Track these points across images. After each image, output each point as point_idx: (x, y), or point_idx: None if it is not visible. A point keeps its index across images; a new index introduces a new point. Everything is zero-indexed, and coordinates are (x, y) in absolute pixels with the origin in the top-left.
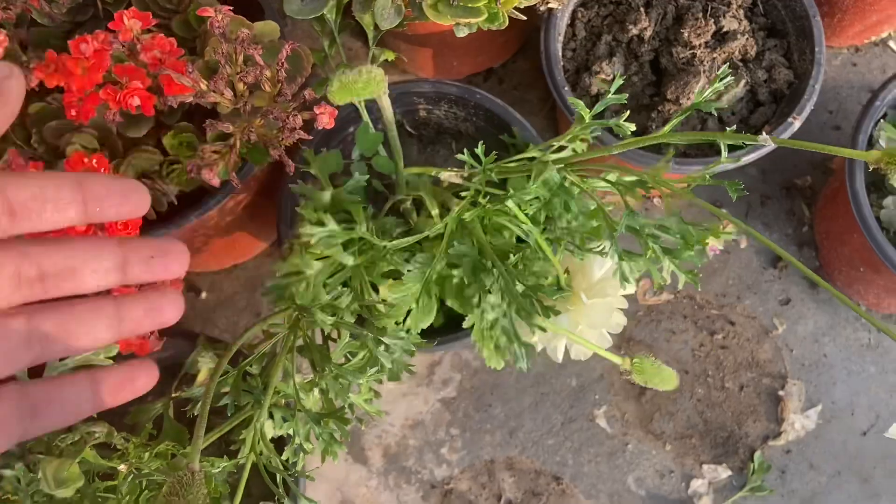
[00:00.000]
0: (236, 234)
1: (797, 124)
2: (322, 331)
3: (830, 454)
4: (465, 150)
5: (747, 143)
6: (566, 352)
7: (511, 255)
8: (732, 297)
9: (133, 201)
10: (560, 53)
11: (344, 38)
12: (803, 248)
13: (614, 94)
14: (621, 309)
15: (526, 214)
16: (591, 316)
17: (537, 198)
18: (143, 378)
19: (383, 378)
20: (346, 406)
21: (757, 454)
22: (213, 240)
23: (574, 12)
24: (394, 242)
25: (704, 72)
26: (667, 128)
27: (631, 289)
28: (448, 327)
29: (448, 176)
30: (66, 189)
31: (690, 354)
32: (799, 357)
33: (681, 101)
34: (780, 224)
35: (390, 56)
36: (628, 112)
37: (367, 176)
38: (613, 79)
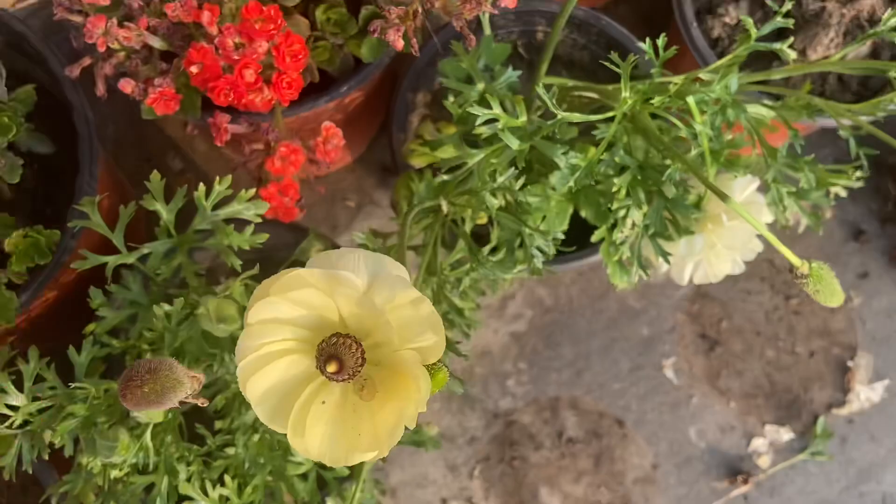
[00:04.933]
0: None
1: None
2: (460, 224)
3: (892, 428)
4: (646, 40)
5: None
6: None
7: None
8: None
9: None
10: None
11: None
12: (886, 225)
13: (782, 18)
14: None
15: None
16: (730, 238)
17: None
18: None
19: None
20: (455, 311)
21: (820, 420)
22: None
23: None
24: (570, 114)
25: (833, 25)
26: (835, 56)
27: (770, 217)
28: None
29: (584, 88)
30: None
31: (764, 316)
32: (871, 330)
33: (807, 53)
34: (866, 199)
35: None
36: (744, 58)
37: (520, 72)
38: (737, 23)
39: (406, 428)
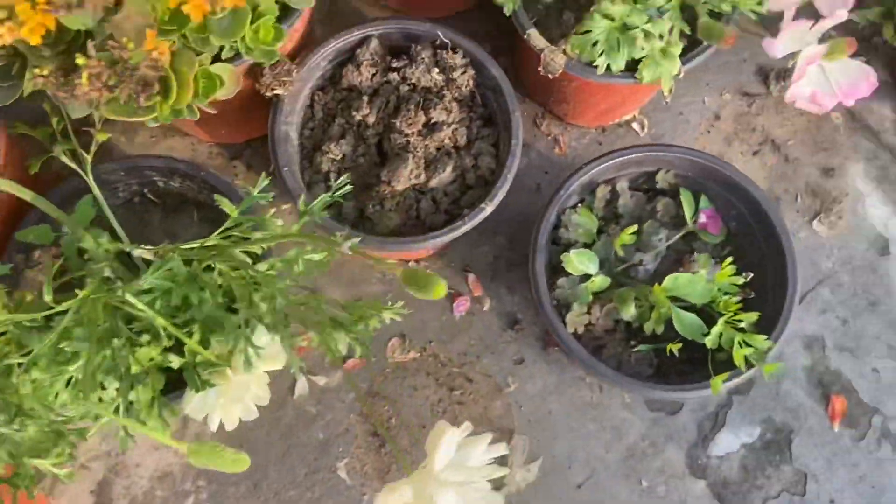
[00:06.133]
0: None
1: (489, 209)
2: None
3: None
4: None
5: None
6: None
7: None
8: (473, 355)
9: None
10: (289, 134)
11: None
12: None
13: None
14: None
15: (154, 301)
16: (235, 391)
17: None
18: None
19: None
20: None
21: None
22: None
23: (312, 94)
24: (18, 315)
25: (415, 158)
26: (295, 227)
27: (279, 364)
28: None
29: (140, 253)
30: None
31: (429, 409)
32: (527, 413)
33: (393, 184)
34: (523, 289)
35: (102, 137)
36: (352, 189)
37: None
38: (343, 157)
39: None
